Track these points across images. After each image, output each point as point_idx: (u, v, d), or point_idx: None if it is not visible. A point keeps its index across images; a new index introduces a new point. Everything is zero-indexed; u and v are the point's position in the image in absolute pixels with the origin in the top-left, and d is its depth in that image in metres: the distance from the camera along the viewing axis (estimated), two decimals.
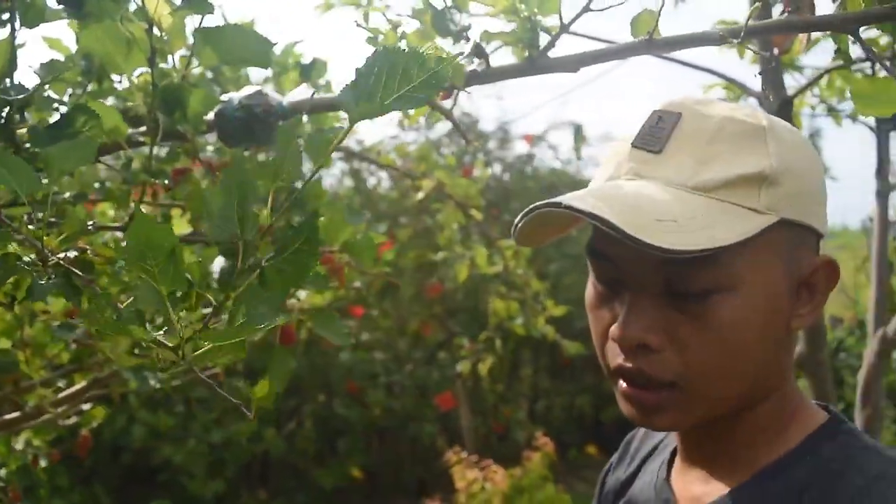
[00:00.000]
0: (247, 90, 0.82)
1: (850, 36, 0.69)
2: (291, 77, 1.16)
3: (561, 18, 0.73)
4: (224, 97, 0.80)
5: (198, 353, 0.51)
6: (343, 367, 5.01)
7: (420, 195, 1.76)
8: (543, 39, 0.71)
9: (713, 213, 0.64)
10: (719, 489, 0.71)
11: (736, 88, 2.33)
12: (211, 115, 0.80)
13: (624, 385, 0.69)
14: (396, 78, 0.51)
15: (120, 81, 0.76)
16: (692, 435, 0.75)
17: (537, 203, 0.66)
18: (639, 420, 0.70)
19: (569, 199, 0.63)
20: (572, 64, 0.73)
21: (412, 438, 5.30)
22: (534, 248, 0.69)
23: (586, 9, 0.73)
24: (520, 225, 0.69)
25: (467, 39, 0.73)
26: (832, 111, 2.39)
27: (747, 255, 0.64)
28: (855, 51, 0.86)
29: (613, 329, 0.68)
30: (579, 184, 6.68)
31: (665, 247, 0.60)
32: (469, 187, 1.90)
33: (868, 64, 1.70)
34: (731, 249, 0.62)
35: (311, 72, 1.15)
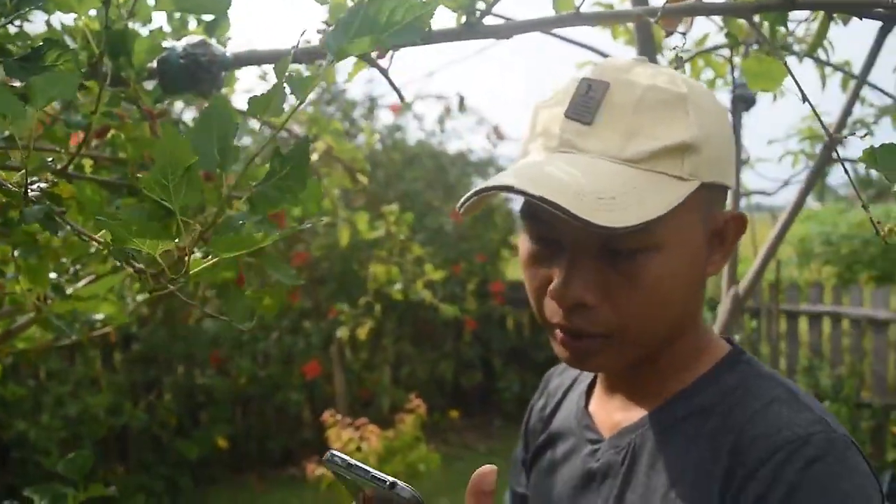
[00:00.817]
0: (190, 39, 0.83)
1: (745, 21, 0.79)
2: (196, 32, 1.16)
3: None
4: (166, 44, 0.82)
5: (197, 269, 0.54)
6: (207, 336, 4.90)
7: (314, 157, 1.78)
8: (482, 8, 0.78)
9: (643, 185, 0.70)
10: (636, 414, 0.81)
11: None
12: (153, 63, 0.81)
13: (561, 335, 0.77)
14: (383, 18, 0.56)
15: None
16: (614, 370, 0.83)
17: (490, 185, 0.71)
18: (574, 364, 0.78)
19: (521, 183, 0.68)
20: (505, 30, 0.80)
21: (278, 407, 5.28)
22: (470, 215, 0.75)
23: None
24: (468, 203, 0.75)
25: None
26: None
27: (672, 219, 0.70)
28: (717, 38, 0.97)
29: (553, 289, 0.74)
30: (441, 155, 6.86)
31: (608, 225, 0.66)
32: (355, 151, 1.93)
33: (726, 50, 1.88)
34: (660, 215, 0.69)
35: (215, 29, 1.16)
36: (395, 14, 0.56)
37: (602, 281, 0.73)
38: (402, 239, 2.34)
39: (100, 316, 1.25)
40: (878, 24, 1.46)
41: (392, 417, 3.70)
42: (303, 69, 0.84)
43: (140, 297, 1.62)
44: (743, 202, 2.31)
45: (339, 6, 0.76)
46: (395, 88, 0.85)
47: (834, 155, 2.11)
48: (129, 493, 4.47)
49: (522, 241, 0.79)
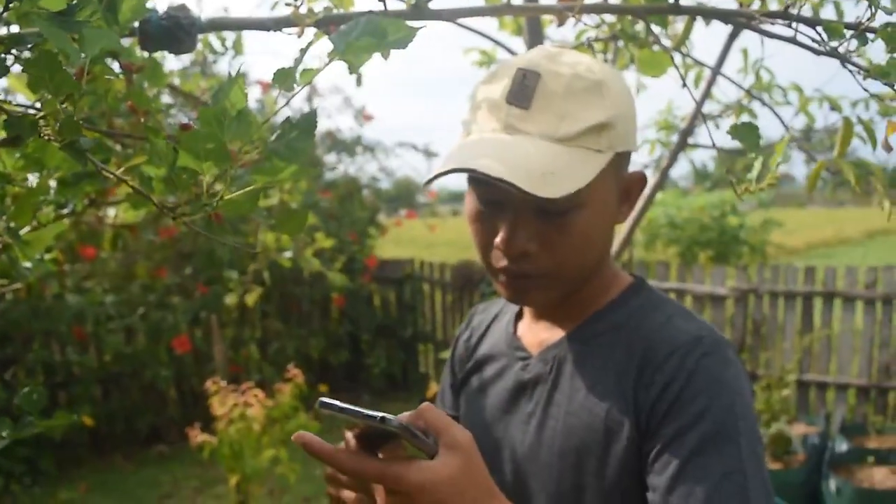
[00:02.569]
0: (171, 2, 0.92)
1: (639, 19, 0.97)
2: None
3: None
4: (148, 5, 0.90)
5: (231, 196, 0.65)
6: (70, 311, 4.73)
7: None
8: None
9: (574, 160, 0.85)
10: (560, 333, 0.99)
11: (489, 53, 2.67)
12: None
13: (504, 278, 0.92)
14: (375, 34, 0.70)
15: None
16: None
17: (455, 167, 0.84)
18: (517, 300, 0.95)
19: (481, 166, 0.82)
20: (447, 14, 0.94)
21: (144, 385, 5.17)
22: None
23: None
24: (430, 181, 0.89)
25: None
26: None
27: (593, 183, 0.86)
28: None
29: (501, 241, 0.89)
30: (311, 113, 6.83)
31: (553, 196, 0.82)
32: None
33: (595, 45, 2.10)
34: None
35: None
36: (389, 31, 0.70)
37: (539, 233, 0.88)
38: (294, 206, 2.42)
39: (28, 265, 1.28)
40: (729, 28, 1.71)
41: (265, 394, 3.76)
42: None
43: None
44: None
45: None
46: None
47: (690, 141, 2.40)
48: None
49: (469, 202, 0.94)
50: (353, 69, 0.74)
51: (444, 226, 8.76)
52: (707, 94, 2.25)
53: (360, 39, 0.71)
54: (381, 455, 0.71)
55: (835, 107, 2.65)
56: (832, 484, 3.41)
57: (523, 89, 0.87)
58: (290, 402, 3.51)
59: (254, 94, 6.33)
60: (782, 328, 4.94)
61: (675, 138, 3.04)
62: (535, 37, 1.88)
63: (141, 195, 0.70)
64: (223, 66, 5.82)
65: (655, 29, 1.18)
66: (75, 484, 4.65)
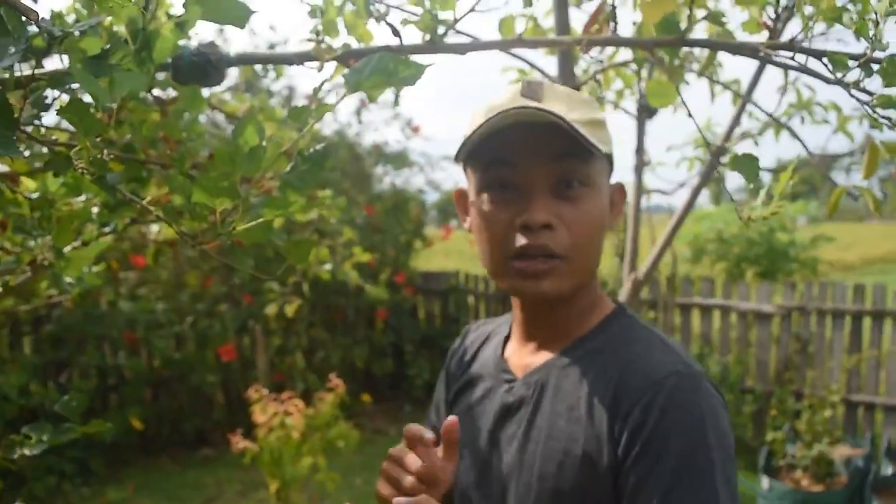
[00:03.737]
0: (201, 40, 0.99)
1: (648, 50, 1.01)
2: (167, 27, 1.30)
3: (455, 14, 0.98)
4: (181, 43, 0.97)
5: (243, 227, 0.71)
6: (122, 318, 4.90)
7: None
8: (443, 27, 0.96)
9: (589, 133, 0.92)
10: (543, 357, 1.03)
11: (525, 72, 2.72)
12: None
13: (522, 263, 0.95)
14: (391, 69, 0.75)
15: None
16: (532, 317, 1.05)
17: (504, 108, 0.91)
18: (531, 286, 0.96)
19: (533, 103, 0.92)
20: (462, 48, 0.99)
21: (192, 390, 5.32)
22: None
23: (472, 9, 0.99)
24: (473, 134, 0.93)
25: (387, 22, 0.96)
26: (599, 99, 2.86)
27: (599, 166, 0.96)
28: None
29: (525, 217, 0.93)
30: (356, 146, 7.02)
31: (596, 145, 0.91)
32: (277, 142, 2.09)
33: (633, 65, 2.13)
34: (595, 158, 0.94)
35: (184, 26, 1.31)
36: (399, 69, 0.76)
37: (557, 209, 0.94)
38: (333, 222, 2.49)
39: (70, 280, 1.35)
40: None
41: (306, 402, 3.85)
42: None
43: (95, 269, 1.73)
44: (644, 202, 2.57)
45: (331, 23, 0.93)
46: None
47: (721, 160, 2.40)
48: (40, 474, 4.45)
49: (478, 202, 0.99)
50: (373, 99, 0.79)
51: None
52: (741, 114, 2.26)
53: (370, 77, 0.77)
54: None
55: (875, 125, 2.62)
56: None
57: (532, 89, 0.95)
58: (331, 412, 3.59)
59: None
60: (830, 347, 4.85)
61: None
62: (566, 58, 1.92)
63: (166, 223, 0.76)
64: (268, 82, 5.96)
65: (689, 56, 1.21)
66: (123, 484, 4.80)
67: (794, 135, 1.36)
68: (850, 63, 0.98)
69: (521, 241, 0.94)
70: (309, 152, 0.74)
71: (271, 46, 4.69)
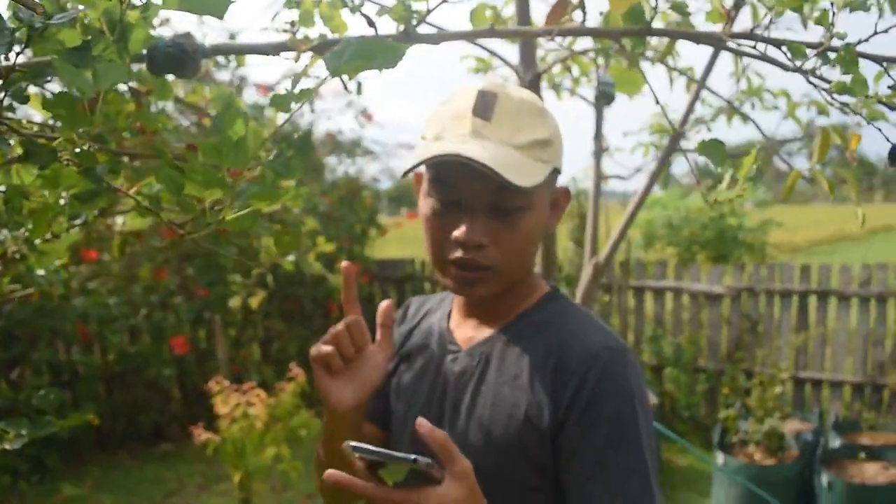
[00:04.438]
0: (177, 31, 0.98)
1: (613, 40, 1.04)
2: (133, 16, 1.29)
3: (427, 4, 1.00)
4: (154, 33, 0.97)
5: (231, 217, 0.72)
6: (75, 312, 4.80)
7: None
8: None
9: (528, 162, 1.00)
10: (487, 332, 1.11)
11: (485, 60, 2.74)
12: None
13: (455, 270, 1.04)
14: (365, 54, 0.76)
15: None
16: (468, 303, 1.14)
17: (441, 153, 0.96)
18: (463, 290, 1.06)
19: (467, 150, 0.95)
20: (434, 38, 1.00)
21: (147, 384, 5.24)
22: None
23: (444, 0, 1.01)
24: (415, 167, 1.00)
25: (362, 13, 0.97)
26: (556, 87, 2.90)
27: (537, 188, 1.00)
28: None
29: (460, 234, 1.01)
30: (307, 133, 6.93)
31: (521, 184, 0.96)
32: (258, 129, 2.08)
33: (590, 53, 2.16)
34: (534, 185, 0.99)
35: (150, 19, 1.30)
36: (377, 52, 0.77)
37: (491, 230, 1.01)
38: (296, 212, 2.49)
39: (41, 272, 1.34)
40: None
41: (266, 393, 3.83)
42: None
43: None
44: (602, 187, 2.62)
45: (307, 14, 0.94)
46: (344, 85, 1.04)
47: (679, 146, 2.46)
48: None
49: (427, 204, 1.06)
50: (351, 80, 0.80)
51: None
52: (695, 101, 2.32)
53: (350, 61, 0.78)
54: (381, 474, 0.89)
55: (822, 112, 2.71)
56: (824, 479, 3.47)
57: (485, 105, 1.00)
58: (292, 401, 3.59)
59: (250, 97, 6.43)
60: (778, 326, 5.00)
61: (665, 142, 3.10)
62: (527, 44, 1.94)
63: (151, 212, 0.76)
64: (224, 75, 5.86)
65: (649, 44, 1.25)
66: (81, 481, 4.72)
67: (752, 120, 1.41)
68: (808, 52, 1.02)
69: (454, 253, 1.03)
70: (293, 139, 0.75)
71: (231, 36, 4.62)
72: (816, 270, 4.94)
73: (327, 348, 1.02)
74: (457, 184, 1.01)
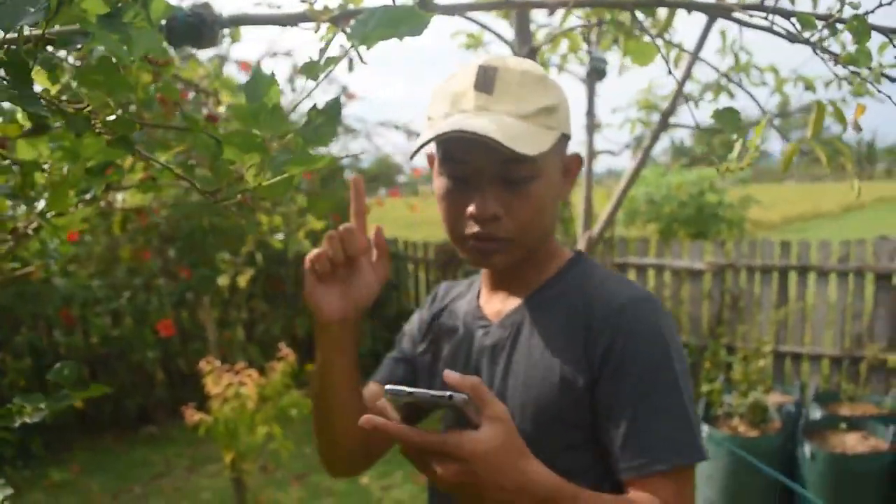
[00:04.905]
0: (195, 1, 0.98)
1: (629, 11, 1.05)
2: None
3: None
4: (173, 2, 0.96)
5: (268, 182, 0.72)
6: (58, 295, 4.76)
7: (221, 109, 1.90)
8: None
9: (534, 131, 1.00)
10: (515, 303, 1.13)
11: (476, 36, 2.73)
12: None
13: (473, 244, 1.06)
14: (390, 22, 0.76)
15: None
16: (496, 275, 1.16)
17: (447, 130, 0.96)
18: (483, 262, 1.07)
19: (472, 125, 0.96)
20: (452, 9, 1.01)
21: (131, 367, 5.21)
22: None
23: None
24: (421, 147, 1.00)
25: None
26: (544, 63, 2.90)
27: (546, 156, 1.02)
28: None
29: (473, 208, 1.02)
30: (336, 100, 6.83)
31: (527, 152, 0.97)
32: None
33: (579, 29, 2.17)
34: (542, 153, 1.00)
35: None
36: (403, 20, 0.77)
37: (504, 201, 1.02)
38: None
39: (53, 246, 1.33)
40: (705, 17, 1.78)
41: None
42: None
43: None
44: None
45: None
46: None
47: (672, 121, 2.48)
48: None
49: (440, 182, 1.07)
50: (367, 48, 0.80)
51: (426, 205, 8.79)
52: (687, 76, 2.33)
53: (376, 29, 0.78)
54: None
55: (809, 87, 2.74)
56: (807, 450, 3.55)
57: (486, 79, 1.01)
58: (282, 380, 3.59)
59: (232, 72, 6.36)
60: (759, 301, 5.08)
61: (654, 117, 3.12)
62: (522, 20, 1.94)
63: (186, 180, 0.76)
64: (212, 52, 5.79)
65: (640, 17, 1.26)
66: (67, 466, 4.70)
67: (749, 93, 1.43)
68: (818, 23, 1.04)
69: (471, 228, 1.04)
70: (323, 105, 0.75)
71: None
72: (796, 246, 5.01)
73: (318, 250, 1.04)
74: (465, 159, 1.02)
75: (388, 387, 0.81)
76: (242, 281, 3.43)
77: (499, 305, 1.16)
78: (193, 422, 3.13)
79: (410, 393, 0.80)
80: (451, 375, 0.84)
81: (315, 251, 1.04)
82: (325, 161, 0.73)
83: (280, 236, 2.78)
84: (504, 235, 1.04)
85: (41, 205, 1.04)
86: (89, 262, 5.20)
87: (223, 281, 3.56)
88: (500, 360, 1.10)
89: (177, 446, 4.99)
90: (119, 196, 1.62)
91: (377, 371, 1.30)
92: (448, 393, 0.80)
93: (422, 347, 1.25)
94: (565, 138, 1.08)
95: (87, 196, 1.20)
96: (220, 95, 1.93)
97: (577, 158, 1.13)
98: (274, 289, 6.31)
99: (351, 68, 2.65)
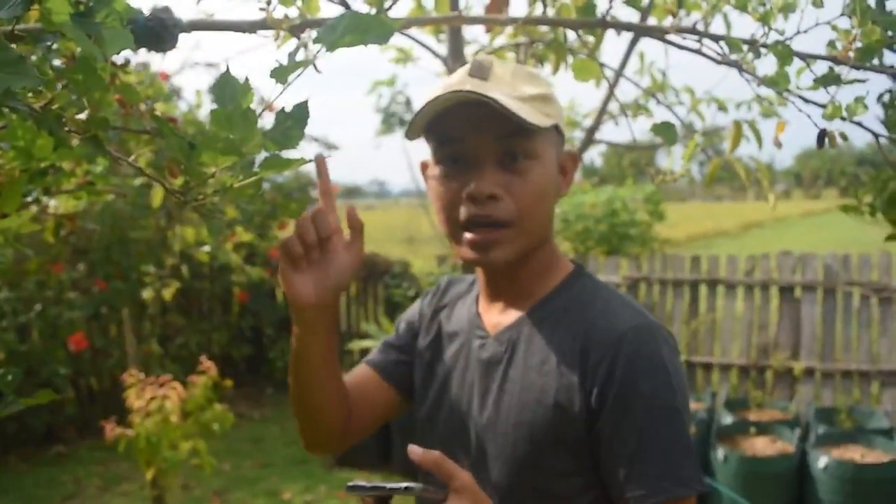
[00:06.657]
0: (156, 3, 0.98)
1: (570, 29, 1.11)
2: None
3: None
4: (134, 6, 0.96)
5: (240, 184, 0.74)
6: None
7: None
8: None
9: (532, 109, 0.98)
10: (513, 316, 1.10)
11: (405, 51, 2.78)
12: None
13: (471, 234, 1.02)
14: (358, 29, 0.80)
15: None
16: (493, 281, 1.11)
17: (451, 91, 0.97)
18: (481, 254, 1.02)
19: (474, 85, 0.97)
20: (403, 24, 1.05)
21: (39, 384, 4.99)
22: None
23: None
24: (423, 109, 0.99)
25: None
26: None
27: (543, 139, 1.01)
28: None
29: (472, 189, 0.99)
30: (201, 124, 6.76)
31: (529, 120, 0.95)
32: (186, 115, 2.06)
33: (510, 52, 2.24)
34: (539, 132, 0.99)
35: None
36: (370, 27, 0.80)
37: (503, 181, 1.00)
38: (216, 200, 2.44)
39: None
40: (630, 35, 1.87)
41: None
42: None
43: None
44: None
45: None
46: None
47: (594, 138, 2.58)
48: None
49: (435, 174, 1.05)
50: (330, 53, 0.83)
51: (344, 219, 8.70)
52: (611, 95, 2.44)
53: (344, 36, 0.81)
54: None
55: (722, 108, 2.90)
56: (720, 453, 3.71)
57: (481, 68, 1.02)
58: (204, 394, 3.52)
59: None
60: (671, 314, 5.28)
61: (576, 134, 3.23)
62: (456, 36, 1.99)
63: (156, 181, 0.77)
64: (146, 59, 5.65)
65: (573, 37, 1.33)
66: None
67: (671, 110, 1.52)
68: (744, 47, 1.12)
69: (469, 209, 1.01)
70: (290, 109, 0.78)
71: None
72: (705, 261, 5.24)
73: (290, 235, 0.99)
74: (463, 136, 1.00)
75: (348, 484, 0.87)
76: (168, 294, 3.35)
77: (497, 317, 1.11)
78: (113, 437, 3.04)
79: (372, 487, 0.87)
80: (414, 451, 0.86)
81: (287, 235, 1.00)
82: (298, 163, 0.75)
83: (206, 248, 2.74)
84: (503, 216, 1.00)
85: None
86: None
87: (148, 294, 3.46)
88: (495, 375, 1.07)
89: (85, 466, 4.81)
90: (52, 202, 1.59)
91: (371, 352, 1.27)
92: (404, 485, 0.85)
93: (425, 342, 1.22)
94: (560, 135, 1.07)
95: (28, 199, 1.18)
96: (153, 103, 1.91)
97: (572, 156, 1.10)
98: (189, 303, 6.16)
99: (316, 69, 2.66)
